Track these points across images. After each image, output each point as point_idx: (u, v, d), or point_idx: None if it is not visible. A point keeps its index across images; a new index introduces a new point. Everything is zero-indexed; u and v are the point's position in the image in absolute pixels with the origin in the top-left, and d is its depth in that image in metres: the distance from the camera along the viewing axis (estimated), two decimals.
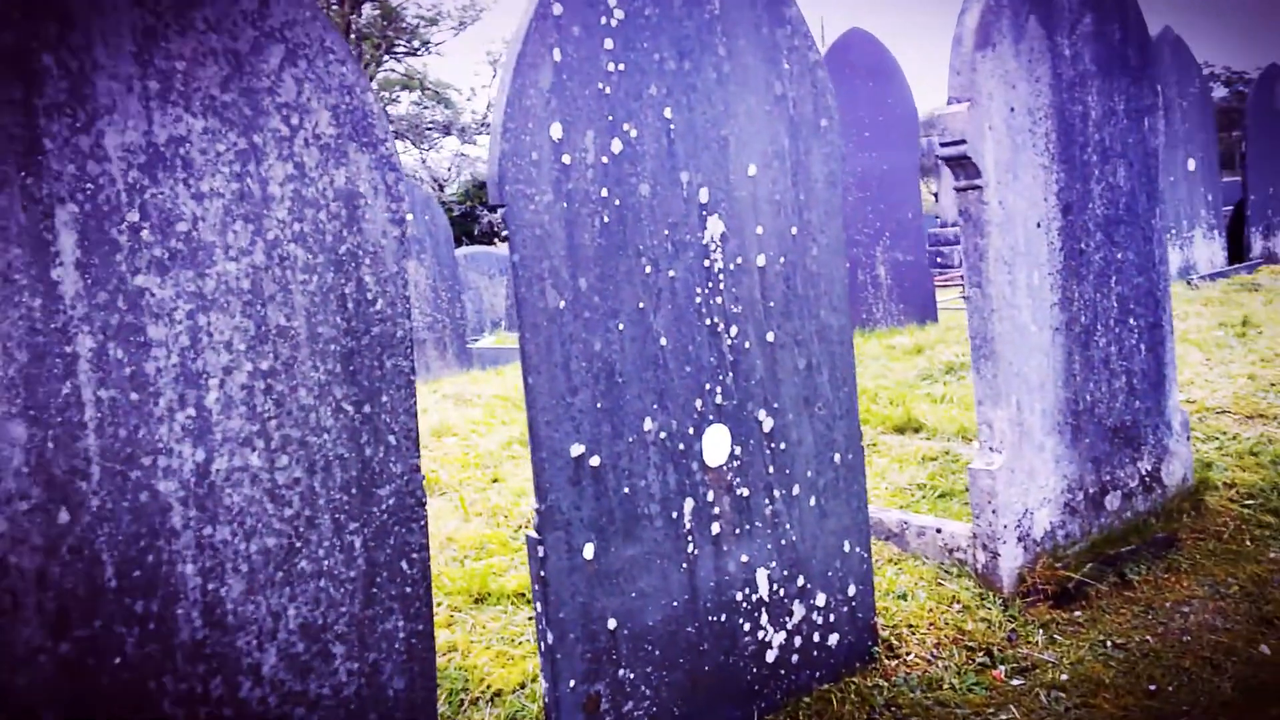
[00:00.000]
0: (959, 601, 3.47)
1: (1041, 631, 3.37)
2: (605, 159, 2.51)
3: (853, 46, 9.07)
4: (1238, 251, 11.98)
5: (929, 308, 9.44)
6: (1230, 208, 12.31)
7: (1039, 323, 3.65)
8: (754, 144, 2.82)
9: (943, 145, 3.53)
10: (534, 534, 2.42)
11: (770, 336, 2.86)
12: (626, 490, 2.55)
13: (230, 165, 2.03)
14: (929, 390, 6.23)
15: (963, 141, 3.48)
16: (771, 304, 2.86)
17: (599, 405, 2.50)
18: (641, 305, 2.58)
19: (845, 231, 3.10)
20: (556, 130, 2.42)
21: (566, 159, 2.44)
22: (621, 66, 2.54)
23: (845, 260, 3.07)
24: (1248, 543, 4.01)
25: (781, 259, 2.89)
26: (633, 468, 2.57)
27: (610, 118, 2.52)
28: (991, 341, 3.51)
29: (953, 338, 7.85)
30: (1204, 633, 3.35)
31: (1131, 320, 4.03)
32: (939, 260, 21.73)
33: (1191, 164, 11.08)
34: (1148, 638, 3.34)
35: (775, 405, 2.88)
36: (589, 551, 2.48)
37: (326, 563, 2.12)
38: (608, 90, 2.51)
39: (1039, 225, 3.66)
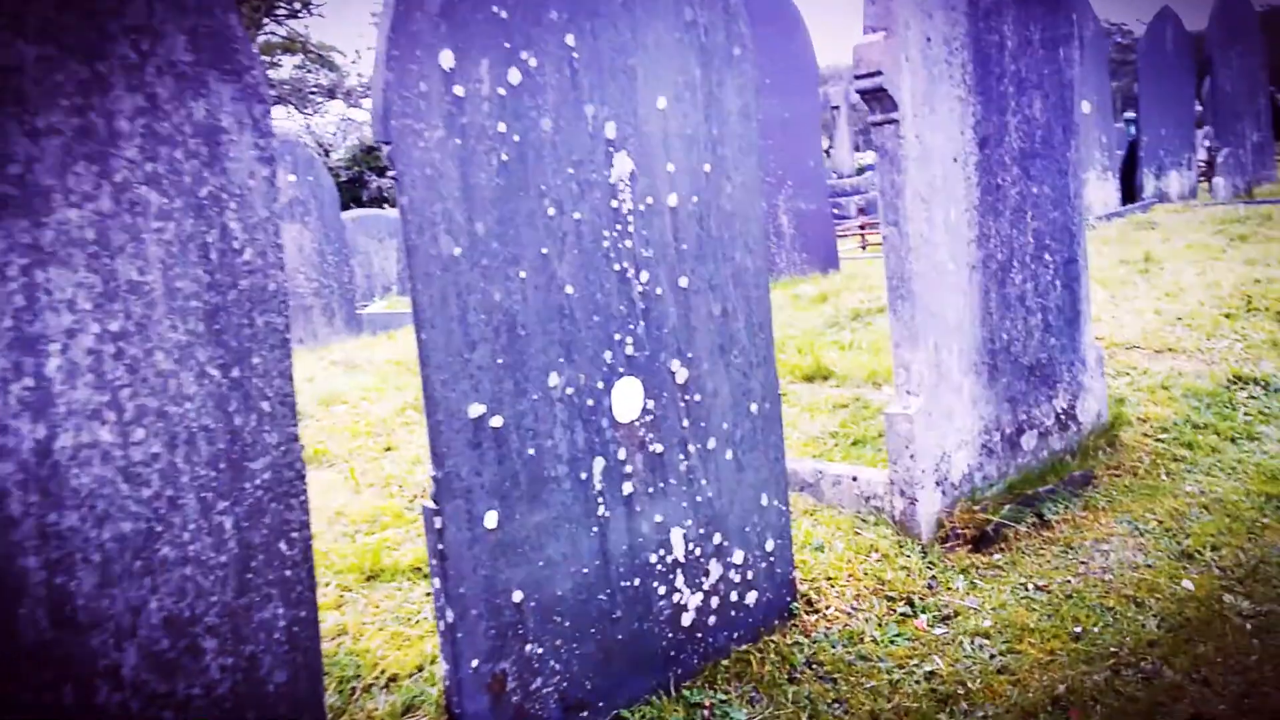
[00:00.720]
0: (877, 550, 3.34)
1: (962, 577, 3.26)
2: (502, 90, 2.26)
3: None
4: (1130, 192, 12.09)
5: (831, 256, 9.34)
6: (1121, 151, 12.40)
7: (956, 261, 3.51)
8: (663, 74, 2.59)
9: (858, 78, 3.34)
10: (430, 504, 2.20)
11: (683, 282, 2.65)
12: (531, 451, 2.34)
13: (71, 98, 1.74)
14: (836, 338, 6.10)
15: (879, 73, 3.28)
16: (684, 247, 2.65)
17: (500, 361, 2.27)
18: (545, 251, 2.35)
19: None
20: (447, 58, 2.16)
21: (459, 90, 2.18)
22: None
23: (761, 199, 2.87)
24: (1163, 477, 3.95)
25: (694, 198, 2.68)
26: (538, 427, 2.35)
27: (507, 45, 2.26)
28: (909, 281, 3.36)
29: (856, 285, 7.73)
30: (1126, 570, 3.27)
31: (1047, 256, 3.91)
32: (834, 212, 21.92)
33: (1086, 106, 11.08)
34: (1069, 578, 3.25)
35: (689, 355, 2.68)
36: (491, 520, 2.27)
37: (193, 548, 1.87)
38: (503, 14, 2.25)
39: (956, 160, 3.50)
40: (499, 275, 2.26)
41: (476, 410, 2.23)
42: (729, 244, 2.77)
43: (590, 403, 2.46)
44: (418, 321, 2.14)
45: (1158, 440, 4.20)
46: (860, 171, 25.27)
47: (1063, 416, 4.00)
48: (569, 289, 2.40)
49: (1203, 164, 13.68)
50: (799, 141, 9.03)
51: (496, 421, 2.27)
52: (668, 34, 2.59)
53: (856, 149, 25.29)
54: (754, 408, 2.86)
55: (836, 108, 23.64)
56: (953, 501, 3.49)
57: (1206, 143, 13.59)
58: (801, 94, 9.01)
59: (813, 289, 7.72)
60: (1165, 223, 9.23)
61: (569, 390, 2.41)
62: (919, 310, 3.36)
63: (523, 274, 2.30)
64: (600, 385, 2.48)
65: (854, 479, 3.61)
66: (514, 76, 2.27)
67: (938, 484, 3.44)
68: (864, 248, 15.81)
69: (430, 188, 2.14)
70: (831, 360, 5.44)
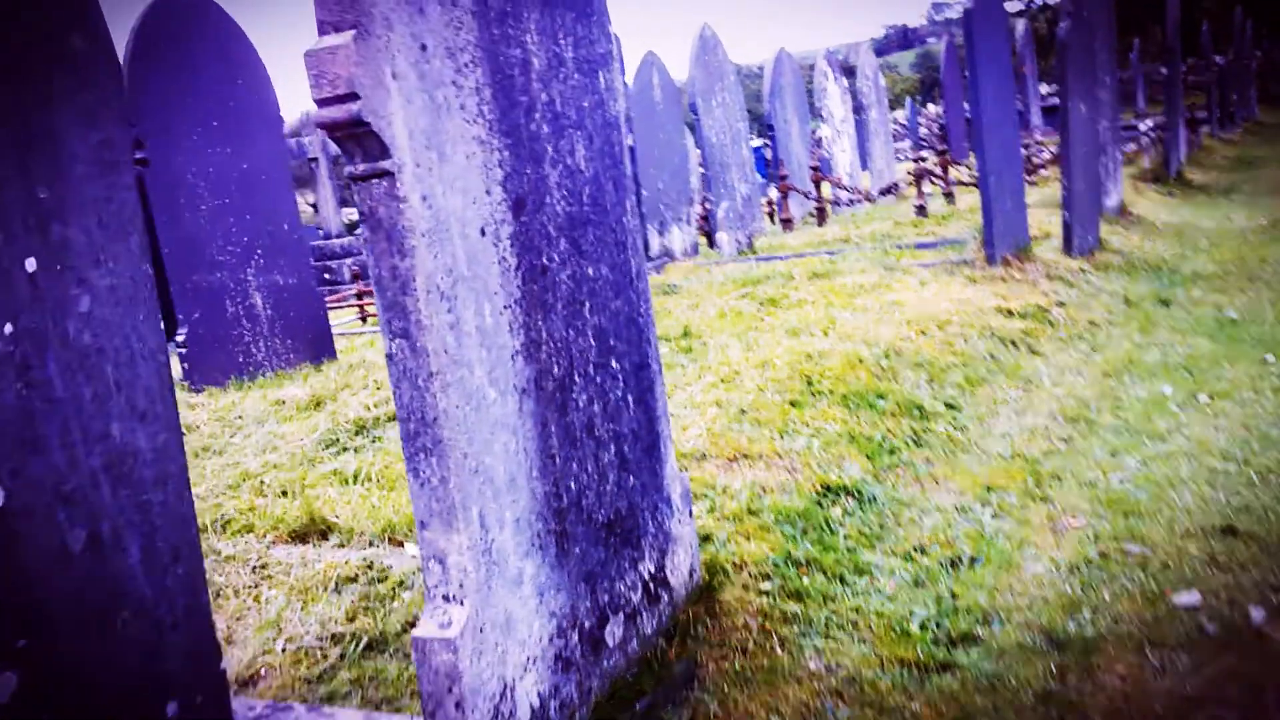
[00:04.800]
0: None
1: None
2: None
3: (183, 14, 7.23)
4: None
5: (324, 342, 7.92)
6: None
7: (500, 384, 2.43)
8: None
9: (323, 104, 2.18)
10: None
11: None
12: None
13: None
14: (338, 466, 4.69)
15: (353, 95, 2.14)
16: None
17: None
18: None
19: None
20: None
21: None
22: None
23: (158, 317, 1.61)
24: (778, 651, 3.09)
25: (6, 328, 1.38)
26: None
27: None
28: (435, 425, 2.23)
29: (359, 381, 6.40)
30: None
31: (614, 362, 2.95)
32: (326, 278, 20.23)
33: None
34: None
35: (20, 644, 1.36)
36: None
37: None
38: None
39: (485, 233, 2.44)
40: None
41: None
42: (95, 409, 1.49)
43: None
44: None
45: (761, 594, 3.35)
46: (352, 229, 23.90)
47: (652, 584, 3.04)
48: None
49: (700, 218, 13.87)
50: (265, 199, 7.54)
51: None
52: None
53: (344, 204, 24.04)
54: (170, 710, 1.59)
55: (315, 160, 22.51)
56: None
57: (700, 196, 13.81)
58: (261, 141, 7.57)
59: (302, 391, 6.28)
60: (686, 286, 8.84)
61: None
62: (455, 469, 2.24)
63: None
64: None
65: None
66: None
67: None
68: (364, 319, 14.37)
69: None
70: (331, 503, 4.12)
